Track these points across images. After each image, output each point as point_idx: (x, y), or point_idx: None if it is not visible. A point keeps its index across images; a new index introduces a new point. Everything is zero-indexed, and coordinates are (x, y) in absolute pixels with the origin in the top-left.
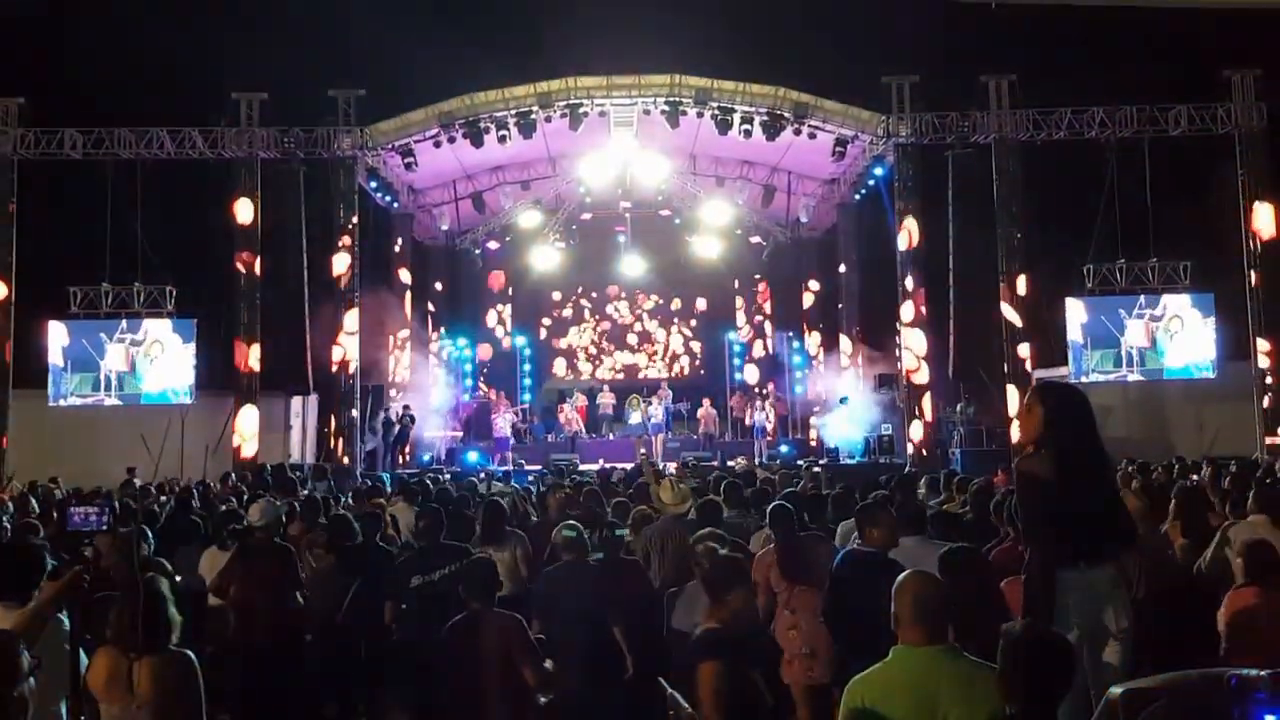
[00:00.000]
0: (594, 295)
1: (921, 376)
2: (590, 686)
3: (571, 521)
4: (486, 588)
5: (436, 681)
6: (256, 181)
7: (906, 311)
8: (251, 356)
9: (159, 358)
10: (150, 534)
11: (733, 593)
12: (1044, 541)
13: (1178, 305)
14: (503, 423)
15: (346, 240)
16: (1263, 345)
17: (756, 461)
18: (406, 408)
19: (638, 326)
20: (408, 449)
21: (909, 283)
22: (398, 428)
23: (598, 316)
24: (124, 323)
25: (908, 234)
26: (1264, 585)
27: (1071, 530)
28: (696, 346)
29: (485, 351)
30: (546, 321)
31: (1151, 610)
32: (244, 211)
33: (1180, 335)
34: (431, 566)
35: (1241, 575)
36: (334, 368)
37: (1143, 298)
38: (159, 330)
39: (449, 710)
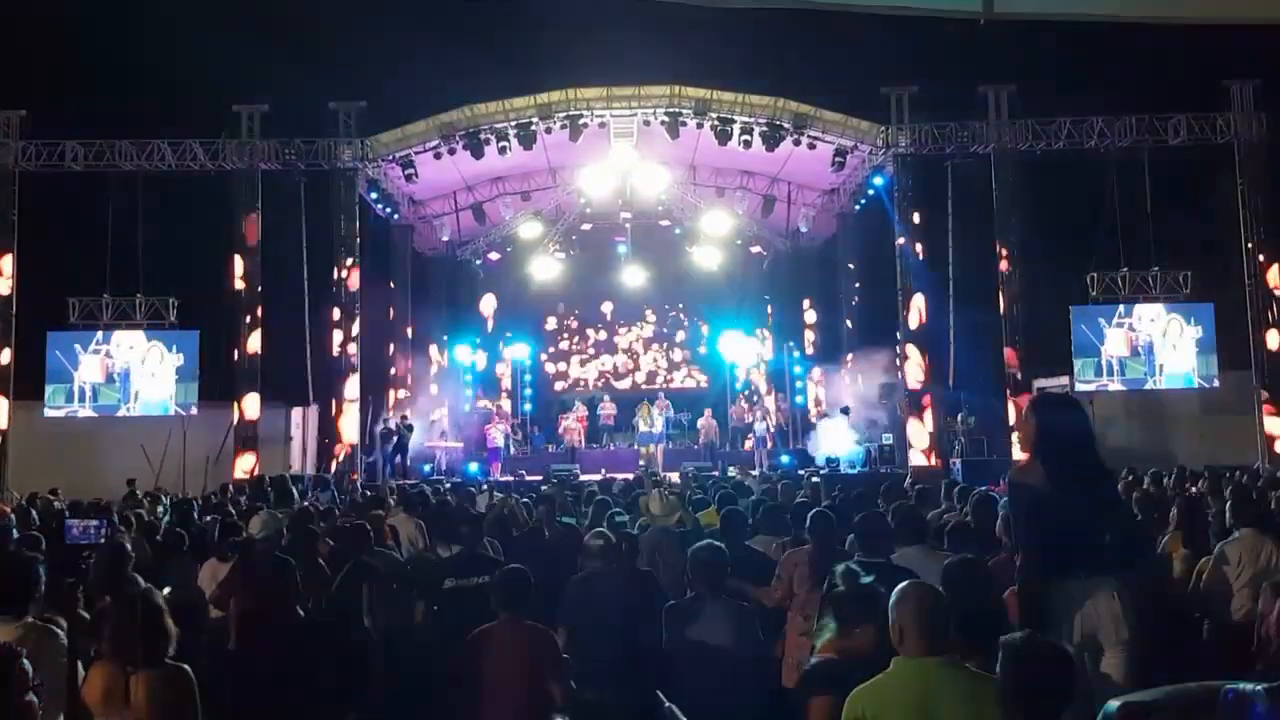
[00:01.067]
0: (597, 325)
1: (921, 385)
2: (605, 699)
3: (602, 529)
4: (520, 597)
5: (461, 686)
6: (257, 194)
7: (906, 320)
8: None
9: (157, 369)
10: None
11: (864, 625)
12: (1033, 551)
13: (1154, 314)
14: (495, 433)
15: (347, 260)
16: (1273, 423)
17: (756, 472)
18: (404, 417)
19: (643, 361)
20: (407, 460)
21: (909, 292)
22: (395, 438)
23: (597, 345)
24: (99, 334)
25: (907, 244)
26: None
27: (1069, 540)
28: (696, 357)
29: (502, 369)
30: (548, 353)
31: (1152, 622)
32: (252, 230)
33: (1179, 344)
34: (468, 572)
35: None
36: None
37: (1121, 307)
38: (137, 340)
39: (468, 716)
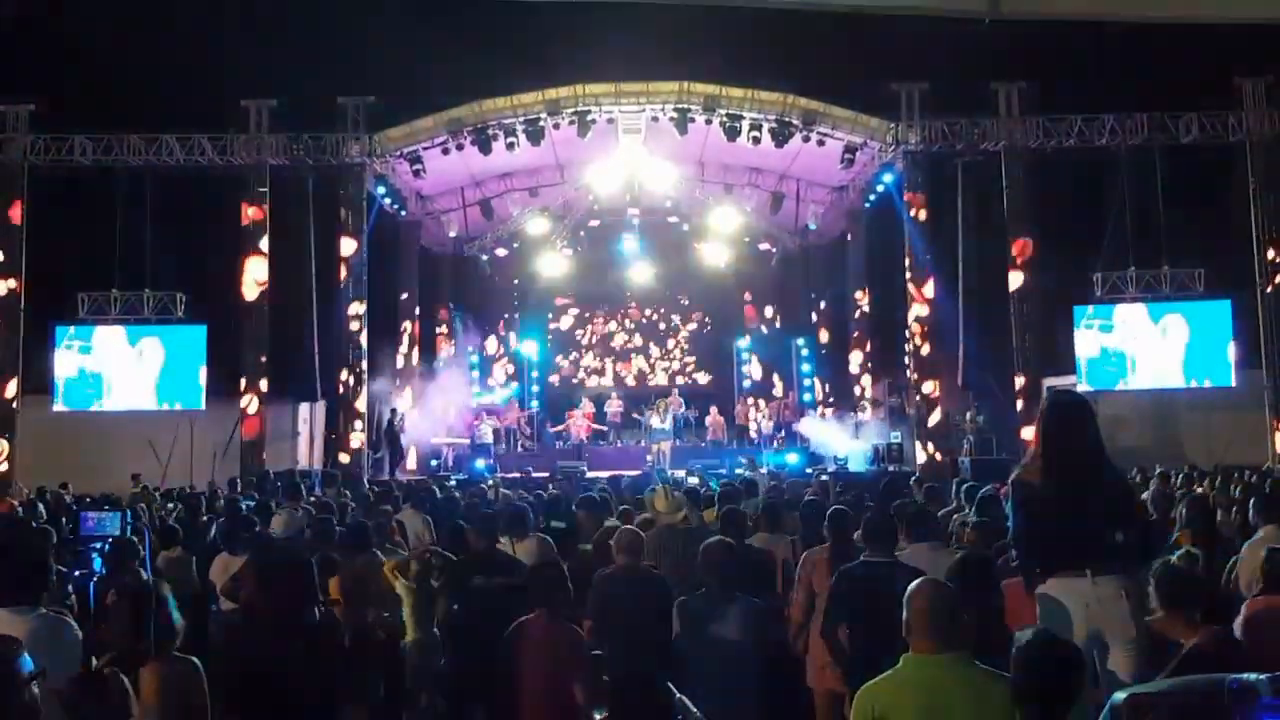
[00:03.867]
0: (604, 321)
1: (931, 384)
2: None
3: (632, 527)
4: (557, 593)
5: (499, 680)
6: (266, 188)
7: (916, 319)
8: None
9: (141, 365)
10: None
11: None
12: (1028, 549)
13: (1126, 315)
14: (484, 429)
15: (355, 255)
16: None
17: (764, 470)
18: (394, 411)
19: (651, 357)
20: (406, 456)
21: (918, 290)
22: (390, 434)
23: (604, 341)
24: (71, 330)
25: (917, 241)
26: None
27: (1071, 538)
28: (704, 354)
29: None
30: (554, 349)
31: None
32: (260, 226)
33: (1166, 345)
34: (493, 571)
35: (1259, 584)
36: (340, 388)
37: (1091, 308)
38: (114, 336)
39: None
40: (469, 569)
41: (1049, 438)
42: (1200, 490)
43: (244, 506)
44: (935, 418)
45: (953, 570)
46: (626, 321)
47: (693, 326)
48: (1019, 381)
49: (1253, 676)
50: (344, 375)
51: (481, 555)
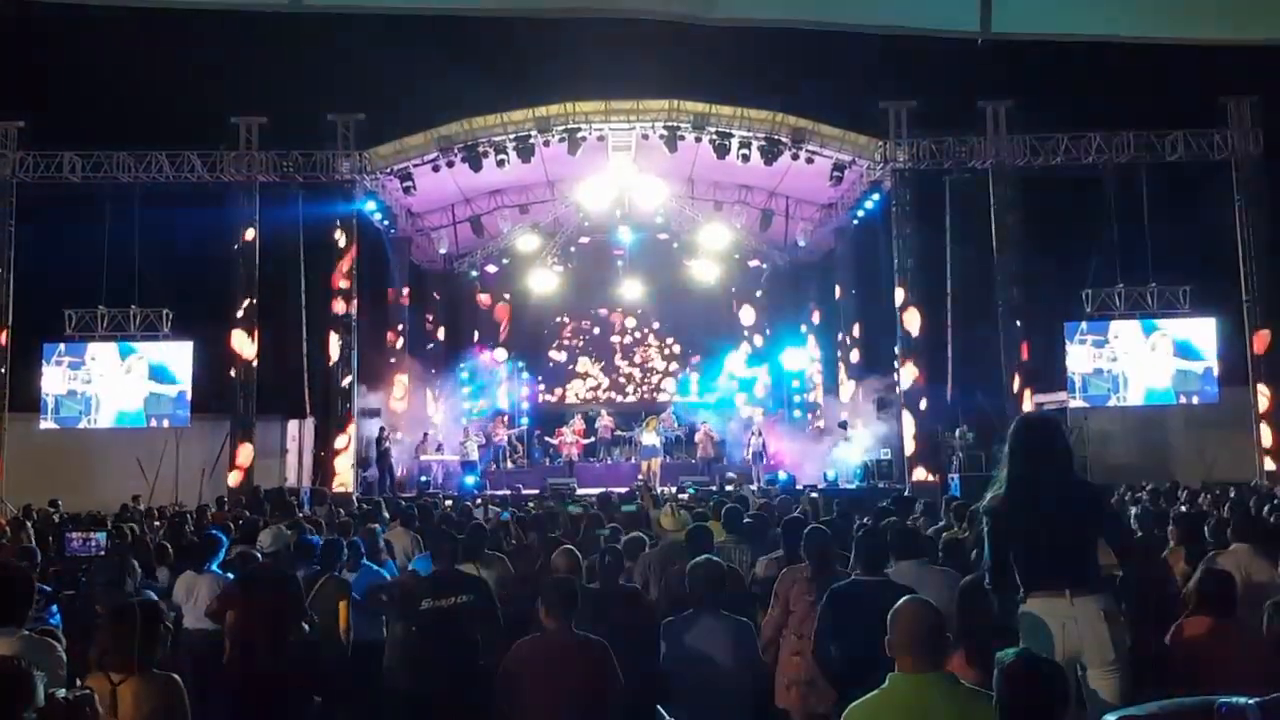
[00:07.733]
0: (592, 330)
1: (920, 401)
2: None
3: (569, 546)
4: (569, 607)
5: (502, 699)
6: (255, 205)
7: (904, 336)
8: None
9: (128, 381)
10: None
11: None
12: (1001, 577)
13: (1119, 330)
14: (470, 446)
15: (345, 273)
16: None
17: (753, 486)
18: (383, 428)
19: (641, 374)
20: (389, 474)
21: (907, 307)
22: (380, 453)
23: (594, 357)
24: (60, 346)
25: (905, 259)
26: (1213, 615)
27: (1047, 559)
28: (693, 370)
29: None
30: (545, 365)
31: (1152, 639)
32: (249, 242)
33: (1157, 360)
34: (444, 593)
35: (1193, 604)
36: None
37: (1084, 324)
38: (103, 352)
39: None
40: (422, 592)
41: (1014, 461)
42: (1190, 507)
43: (232, 525)
44: (924, 435)
45: (961, 593)
46: (617, 338)
47: (683, 343)
48: (1008, 398)
49: (1242, 700)
50: (333, 392)
51: (436, 576)
